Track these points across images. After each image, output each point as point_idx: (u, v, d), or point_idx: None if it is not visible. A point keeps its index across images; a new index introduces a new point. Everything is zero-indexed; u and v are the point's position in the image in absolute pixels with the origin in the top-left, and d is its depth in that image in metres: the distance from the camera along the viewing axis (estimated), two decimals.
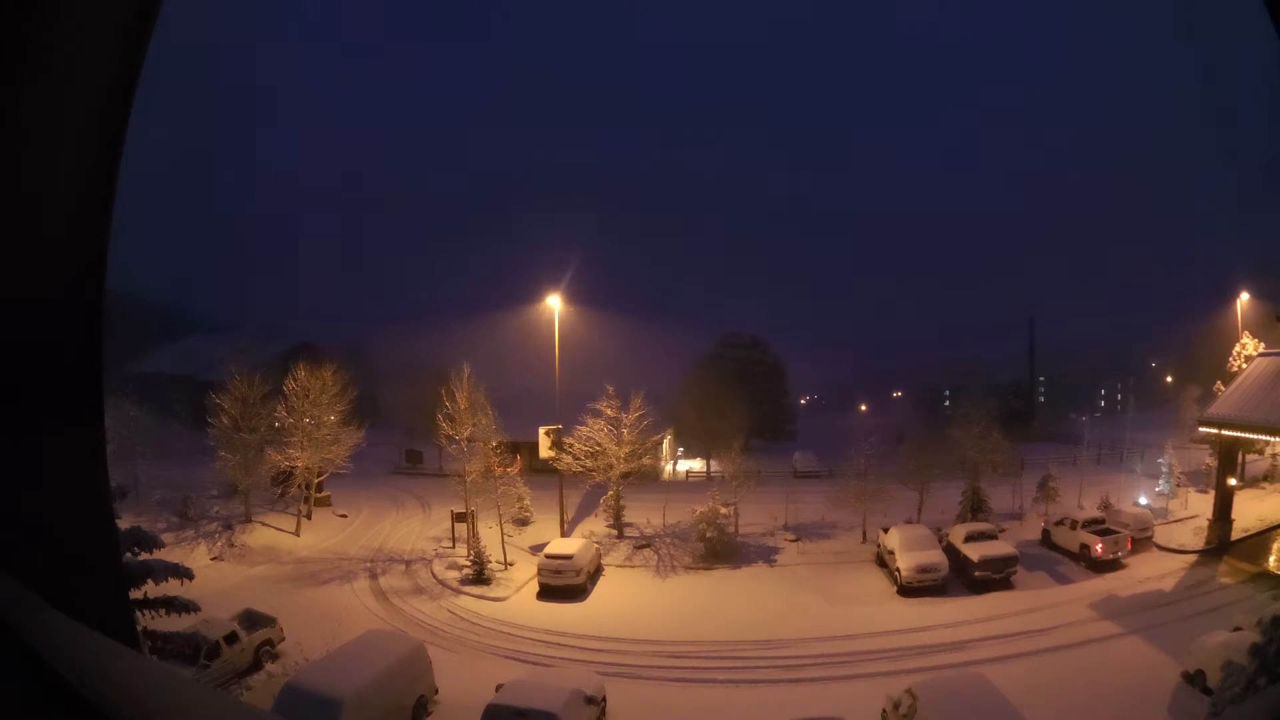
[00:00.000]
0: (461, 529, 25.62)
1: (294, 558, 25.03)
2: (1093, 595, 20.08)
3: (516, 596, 22.07)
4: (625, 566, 24.77)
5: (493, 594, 22.04)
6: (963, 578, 21.53)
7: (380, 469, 39.88)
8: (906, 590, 21.08)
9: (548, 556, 22.38)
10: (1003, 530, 25.12)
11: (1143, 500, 27.74)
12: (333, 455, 29.17)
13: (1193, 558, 22.54)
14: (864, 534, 26.29)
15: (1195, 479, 30.11)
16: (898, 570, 21.47)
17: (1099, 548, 22.08)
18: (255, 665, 16.36)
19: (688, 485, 38.15)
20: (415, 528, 29.15)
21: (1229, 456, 24.13)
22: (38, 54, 1.50)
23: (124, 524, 14.40)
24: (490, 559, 23.41)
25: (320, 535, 27.66)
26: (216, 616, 16.35)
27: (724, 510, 25.87)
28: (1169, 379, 64.25)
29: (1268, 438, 24.37)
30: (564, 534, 26.91)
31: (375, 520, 30.37)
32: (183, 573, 14.25)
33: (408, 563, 24.69)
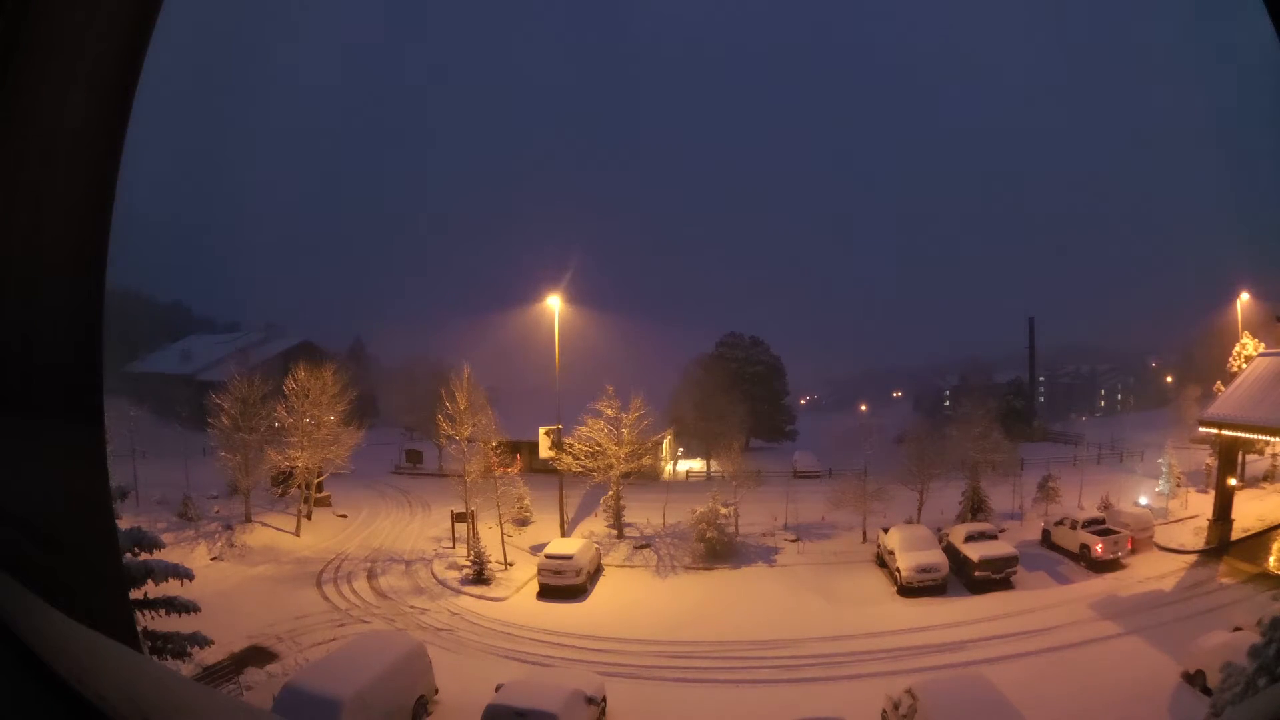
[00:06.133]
0: (461, 529, 25.60)
1: (294, 558, 25.00)
2: (1093, 595, 20.06)
3: (516, 596, 22.06)
4: (625, 566, 24.76)
5: (493, 594, 22.03)
6: (963, 578, 21.51)
7: (380, 469, 39.85)
8: (906, 590, 21.06)
9: (548, 556, 22.36)
10: (1003, 530, 25.09)
11: (1143, 500, 27.68)
12: (332, 455, 29.15)
13: (1193, 558, 22.51)
14: (864, 534, 26.28)
15: (1195, 479, 30.04)
16: (898, 570, 21.46)
17: (1099, 548, 22.06)
18: None
19: (688, 485, 38.12)
20: (415, 528, 29.12)
21: (1229, 456, 24.09)
22: (38, 53, 1.49)
23: (124, 524, 14.39)
24: (490, 559, 23.39)
25: (320, 535, 27.64)
26: None
27: (724, 510, 25.85)
28: (1169, 379, 64.21)
29: (1268, 438, 24.33)
30: (564, 534, 26.90)
31: (375, 520, 30.35)
32: (183, 573, 14.25)
33: (408, 563, 24.68)
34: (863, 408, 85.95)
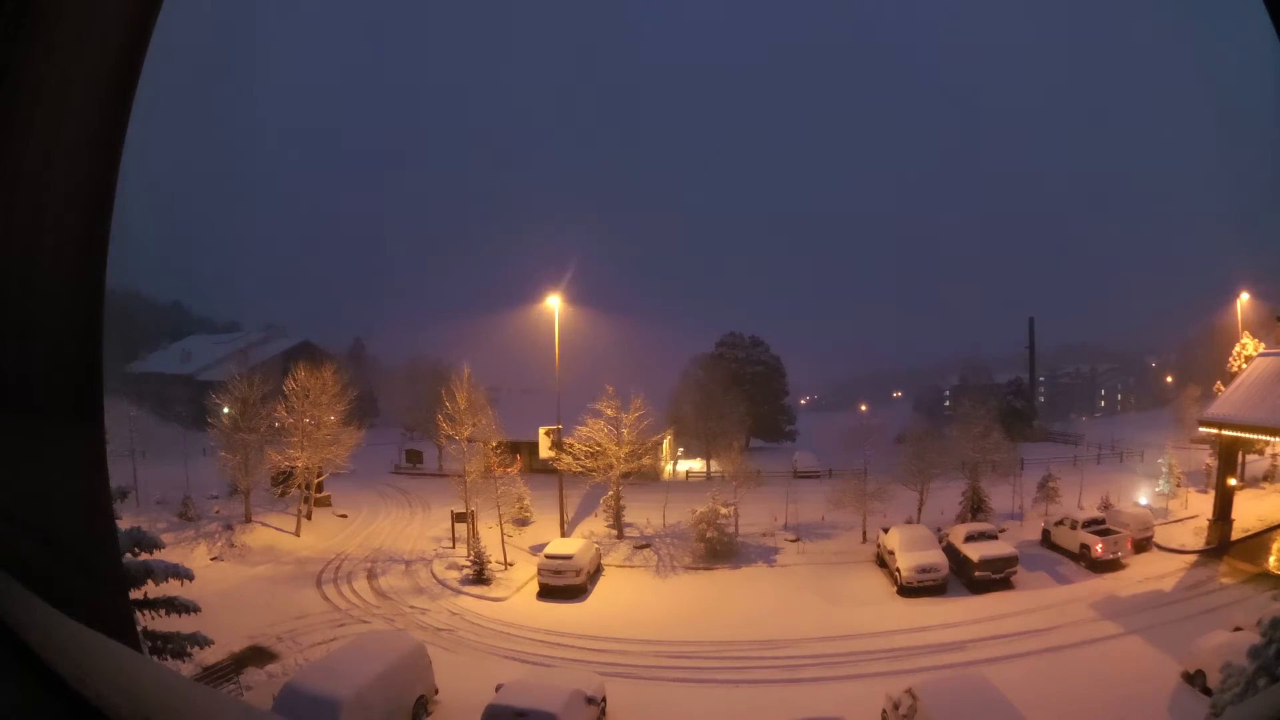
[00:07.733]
0: (461, 529, 25.61)
1: (294, 558, 25.01)
2: (1093, 595, 20.06)
3: (516, 596, 22.06)
4: (625, 566, 24.76)
5: (493, 594, 22.04)
6: (963, 578, 21.51)
7: (380, 469, 39.86)
8: (906, 590, 21.06)
9: (548, 556, 22.37)
10: (1003, 530, 25.08)
11: (1143, 500, 27.69)
12: (332, 455, 29.17)
13: (1193, 558, 22.51)
14: (864, 534, 26.28)
15: (1195, 479, 30.05)
16: (898, 570, 21.46)
17: (1099, 548, 22.06)
18: None
19: (688, 485, 38.09)
20: (415, 528, 29.13)
21: (1229, 456, 24.09)
22: (38, 53, 1.49)
23: (124, 524, 14.39)
24: (490, 559, 23.40)
25: (320, 535, 27.65)
26: None
27: (724, 510, 25.84)
28: (1169, 379, 64.18)
29: (1268, 438, 24.34)
30: (564, 534, 26.90)
31: (375, 520, 30.36)
32: (183, 573, 14.26)
33: (408, 563, 24.68)
34: (863, 408, 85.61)
